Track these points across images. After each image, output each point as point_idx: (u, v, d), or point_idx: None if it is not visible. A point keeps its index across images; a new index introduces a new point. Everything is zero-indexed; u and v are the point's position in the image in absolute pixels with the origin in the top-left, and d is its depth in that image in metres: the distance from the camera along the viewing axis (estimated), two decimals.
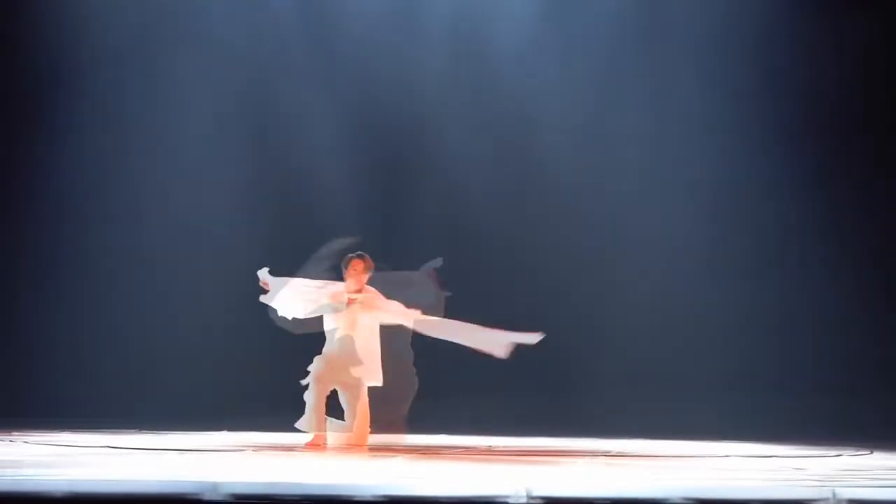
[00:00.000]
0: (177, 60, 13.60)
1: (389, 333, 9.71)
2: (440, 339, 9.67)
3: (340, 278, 9.69)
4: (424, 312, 9.61)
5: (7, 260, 13.49)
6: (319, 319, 9.68)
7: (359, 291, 9.62)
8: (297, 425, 9.56)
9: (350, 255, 9.66)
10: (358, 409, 9.60)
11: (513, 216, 13.42)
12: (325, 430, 9.56)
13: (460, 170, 13.56)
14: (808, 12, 13.22)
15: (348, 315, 9.60)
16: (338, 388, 9.65)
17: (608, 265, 13.30)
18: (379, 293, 9.65)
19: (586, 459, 8.71)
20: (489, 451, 9.73)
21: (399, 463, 8.23)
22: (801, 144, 13.21)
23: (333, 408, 9.68)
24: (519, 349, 12.76)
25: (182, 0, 13.72)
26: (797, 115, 13.19)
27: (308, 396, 9.51)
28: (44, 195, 13.61)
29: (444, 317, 9.66)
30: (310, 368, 9.55)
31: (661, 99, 13.47)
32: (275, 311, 9.64)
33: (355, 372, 9.57)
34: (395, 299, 9.63)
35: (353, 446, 9.50)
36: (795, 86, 13.22)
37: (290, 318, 9.61)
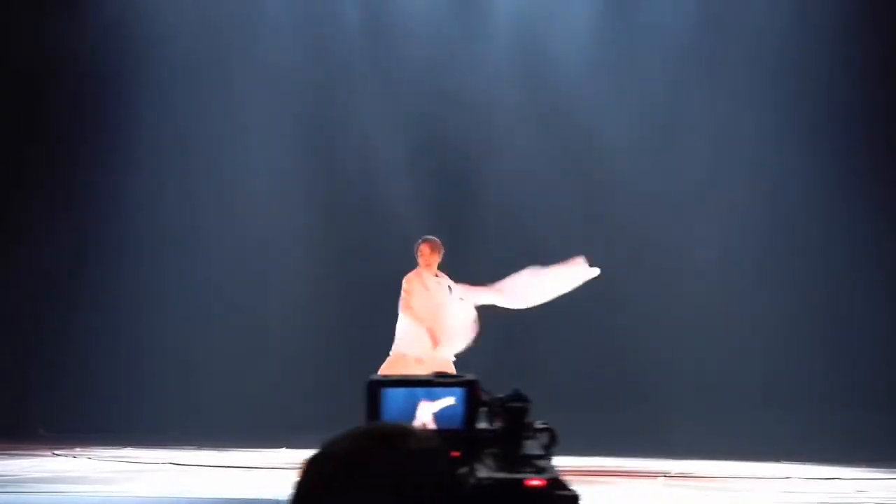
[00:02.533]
0: (237, 81, 13.72)
1: None
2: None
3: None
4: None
5: (69, 280, 13.60)
6: None
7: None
8: None
9: (421, 239, 9.33)
10: None
11: (575, 232, 13.37)
12: None
13: (525, 189, 13.53)
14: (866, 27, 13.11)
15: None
16: None
17: (666, 287, 13.22)
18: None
19: (659, 479, 8.65)
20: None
21: None
22: (857, 158, 13.05)
23: None
24: (578, 373, 12.76)
25: (244, 22, 13.82)
26: (859, 125, 13.05)
27: None
28: (110, 216, 13.71)
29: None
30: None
31: (721, 112, 13.38)
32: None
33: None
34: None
35: None
36: (853, 96, 13.07)
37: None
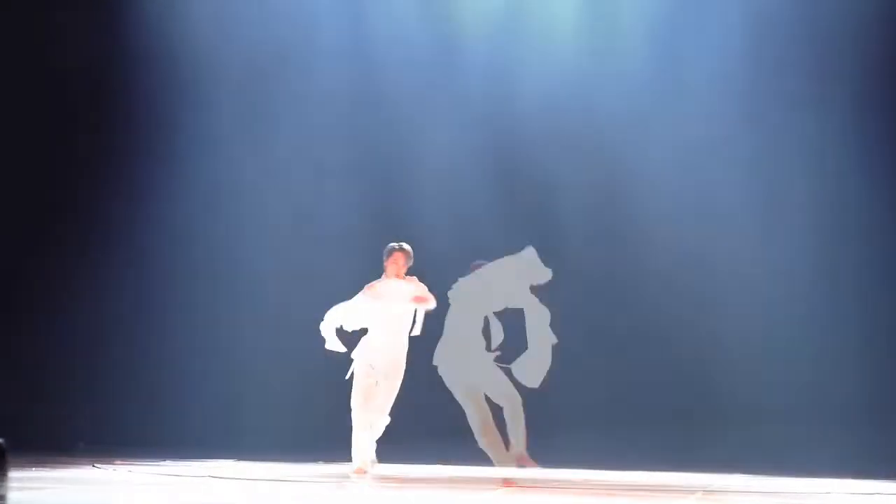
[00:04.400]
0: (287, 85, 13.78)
1: None
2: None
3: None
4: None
5: (107, 292, 13.67)
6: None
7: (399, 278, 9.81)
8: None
9: (392, 245, 9.81)
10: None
11: (619, 250, 13.38)
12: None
13: (574, 213, 13.53)
14: None
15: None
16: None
17: (708, 299, 13.19)
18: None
19: (697, 494, 8.63)
20: (588, 486, 9.70)
21: (499, 497, 8.23)
22: None
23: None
24: (615, 387, 12.74)
25: (297, 22, 13.84)
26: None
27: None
28: (146, 230, 13.80)
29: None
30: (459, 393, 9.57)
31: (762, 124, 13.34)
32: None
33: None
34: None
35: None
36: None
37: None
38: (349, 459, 11.30)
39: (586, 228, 13.46)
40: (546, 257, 12.72)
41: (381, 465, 10.05)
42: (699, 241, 13.17)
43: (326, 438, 12.41)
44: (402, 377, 9.83)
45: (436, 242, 12.08)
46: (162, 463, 10.63)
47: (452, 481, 9.64)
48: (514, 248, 9.87)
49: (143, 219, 13.78)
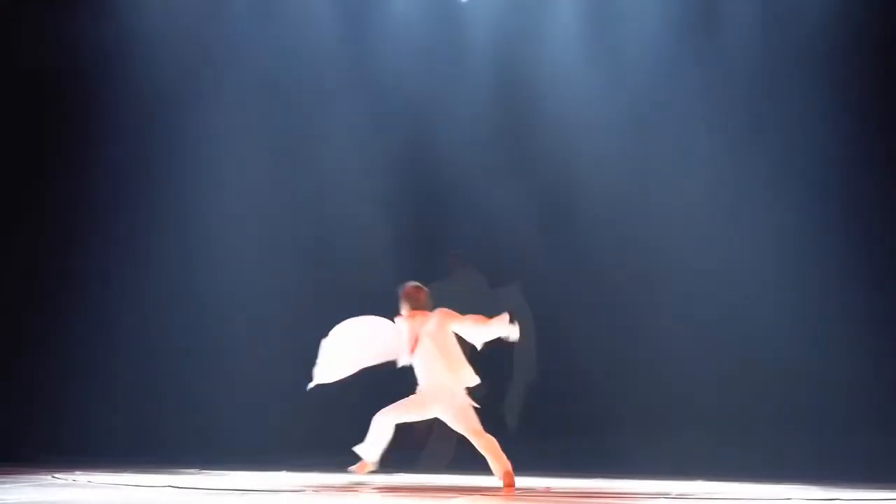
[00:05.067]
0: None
1: None
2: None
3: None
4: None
5: (68, 303, 13.61)
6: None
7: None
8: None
9: (412, 284, 9.60)
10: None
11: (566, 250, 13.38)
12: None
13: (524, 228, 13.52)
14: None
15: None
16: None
17: (671, 300, 13.19)
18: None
19: (659, 501, 8.63)
20: (548, 493, 9.70)
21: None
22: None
23: None
24: (577, 394, 12.76)
25: (221, 35, 13.82)
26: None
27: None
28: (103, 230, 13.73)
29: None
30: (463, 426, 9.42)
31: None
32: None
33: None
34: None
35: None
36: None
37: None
38: (315, 469, 11.30)
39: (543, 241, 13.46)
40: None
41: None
42: (653, 239, 13.18)
43: (298, 447, 12.45)
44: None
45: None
46: (121, 474, 10.57)
47: (416, 490, 9.63)
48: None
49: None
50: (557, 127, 13.35)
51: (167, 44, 13.61)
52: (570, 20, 13.60)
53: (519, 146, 13.58)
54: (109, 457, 12.01)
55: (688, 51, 13.30)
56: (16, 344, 13.32)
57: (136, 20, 13.62)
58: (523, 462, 11.22)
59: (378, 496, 9.08)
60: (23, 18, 13.56)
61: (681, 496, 9.34)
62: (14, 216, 13.60)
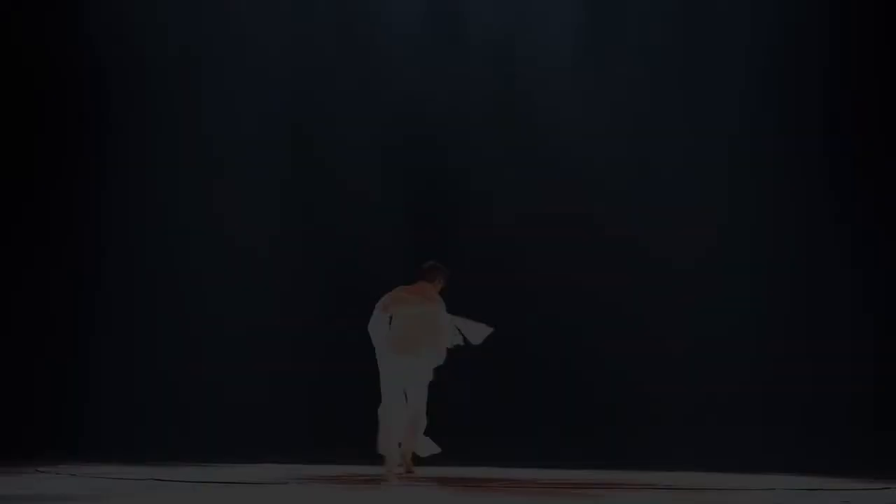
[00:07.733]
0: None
1: None
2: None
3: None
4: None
5: (58, 295, 13.55)
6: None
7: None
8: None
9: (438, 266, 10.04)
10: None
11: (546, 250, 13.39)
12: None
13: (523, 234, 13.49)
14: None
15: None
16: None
17: (652, 294, 13.22)
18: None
19: (637, 492, 8.66)
20: (535, 485, 9.71)
21: (445, 495, 8.20)
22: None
23: None
24: (566, 387, 12.79)
25: (215, 23, 13.78)
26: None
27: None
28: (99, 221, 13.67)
29: None
30: None
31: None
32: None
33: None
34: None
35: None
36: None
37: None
38: (298, 461, 11.27)
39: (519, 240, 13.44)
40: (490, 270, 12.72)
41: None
42: (629, 234, 13.21)
43: (286, 440, 12.43)
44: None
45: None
46: (105, 466, 10.54)
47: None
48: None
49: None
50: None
51: (167, 44, 13.60)
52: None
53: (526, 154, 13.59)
54: (96, 452, 11.94)
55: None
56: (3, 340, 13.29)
57: (136, 19, 13.59)
58: (509, 455, 11.24)
59: (386, 486, 9.08)
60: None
61: (667, 487, 9.37)
62: (13, 216, 13.56)
